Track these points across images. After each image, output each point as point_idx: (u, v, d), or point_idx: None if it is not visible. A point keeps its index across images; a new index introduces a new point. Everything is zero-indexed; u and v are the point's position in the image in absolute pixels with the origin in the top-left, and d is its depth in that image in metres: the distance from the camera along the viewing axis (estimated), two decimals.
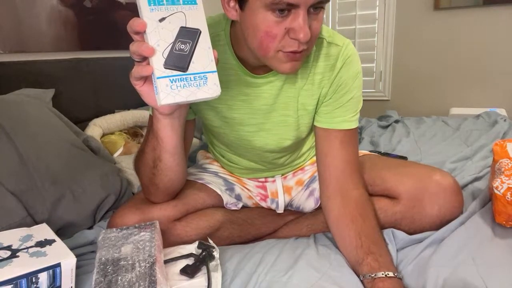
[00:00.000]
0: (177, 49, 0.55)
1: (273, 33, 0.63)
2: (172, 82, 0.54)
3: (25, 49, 1.30)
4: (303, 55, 0.69)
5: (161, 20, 0.55)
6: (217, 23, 0.78)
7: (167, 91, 0.54)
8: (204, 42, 0.56)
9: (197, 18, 0.56)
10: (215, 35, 0.77)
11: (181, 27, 0.55)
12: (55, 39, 1.40)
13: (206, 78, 0.56)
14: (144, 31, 0.54)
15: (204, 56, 0.56)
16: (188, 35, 0.56)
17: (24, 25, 1.29)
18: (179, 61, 0.55)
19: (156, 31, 0.54)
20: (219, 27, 0.77)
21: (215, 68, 0.56)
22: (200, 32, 0.56)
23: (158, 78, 0.54)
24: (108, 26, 1.59)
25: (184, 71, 0.55)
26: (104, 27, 1.57)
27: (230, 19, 0.71)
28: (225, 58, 0.77)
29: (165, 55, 0.54)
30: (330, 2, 2.29)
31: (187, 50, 0.55)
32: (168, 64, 0.54)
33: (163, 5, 0.55)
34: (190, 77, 0.55)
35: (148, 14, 0.54)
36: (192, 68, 0.55)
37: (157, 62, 0.54)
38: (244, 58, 0.76)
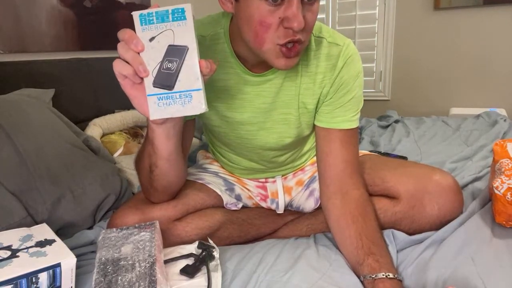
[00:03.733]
0: (164, 68, 0.57)
1: (267, 22, 0.63)
2: (159, 100, 0.58)
3: (25, 49, 1.30)
4: (299, 50, 0.68)
5: (151, 39, 0.57)
6: (217, 22, 0.78)
7: (155, 107, 0.58)
8: (191, 59, 0.57)
9: (185, 34, 0.56)
10: (214, 33, 0.77)
11: (169, 46, 0.57)
12: (55, 39, 1.39)
13: (191, 96, 0.58)
14: None
15: (190, 74, 0.57)
16: (175, 53, 0.57)
17: (24, 25, 1.29)
18: (166, 80, 0.57)
19: (147, 51, 0.57)
20: (219, 26, 0.77)
21: (200, 86, 0.57)
22: (188, 49, 0.57)
23: (148, 95, 0.58)
24: (108, 26, 1.59)
25: (170, 89, 0.57)
26: (104, 27, 1.57)
27: (227, 12, 0.71)
28: (224, 57, 0.77)
29: (154, 74, 0.57)
30: (330, 2, 2.29)
31: (173, 69, 0.57)
32: (156, 83, 0.58)
33: (153, 24, 0.57)
34: (175, 95, 0.58)
35: (140, 34, 0.57)
36: (178, 86, 0.57)
37: (147, 81, 0.58)
38: (243, 56, 0.76)
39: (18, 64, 1.25)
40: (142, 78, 0.58)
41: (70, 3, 1.43)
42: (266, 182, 1.00)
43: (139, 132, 1.48)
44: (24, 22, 1.29)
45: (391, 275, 0.64)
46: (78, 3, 1.47)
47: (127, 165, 1.18)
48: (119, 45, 0.57)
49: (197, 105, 0.58)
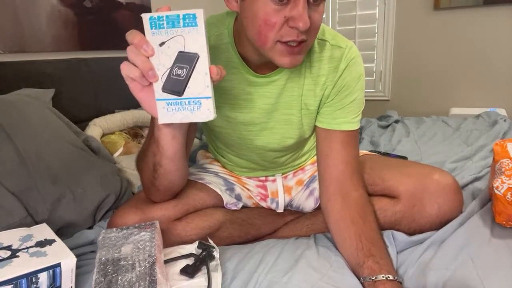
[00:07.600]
0: (174, 74, 0.57)
1: (272, 21, 0.63)
2: (168, 105, 0.58)
3: (25, 49, 1.30)
4: (303, 48, 0.68)
5: (161, 44, 0.56)
6: (221, 22, 0.78)
7: (164, 112, 0.58)
8: (201, 67, 0.56)
9: (196, 41, 0.55)
10: (218, 33, 0.77)
11: (179, 52, 0.56)
12: (55, 39, 1.39)
13: (200, 103, 0.57)
14: None
15: (200, 81, 0.56)
16: (186, 60, 0.56)
17: (24, 25, 1.29)
18: (175, 86, 0.57)
19: (157, 55, 0.56)
20: (223, 26, 0.77)
21: (210, 94, 0.57)
22: (198, 57, 0.56)
23: (157, 100, 0.58)
24: (108, 26, 1.59)
25: (179, 96, 0.57)
26: (104, 27, 1.57)
27: (231, 12, 0.70)
28: (228, 57, 0.77)
29: (164, 79, 0.57)
30: (330, 2, 2.29)
31: (183, 76, 0.56)
32: (165, 88, 0.57)
33: (163, 29, 0.55)
34: (185, 102, 0.57)
35: (150, 37, 0.56)
36: (187, 93, 0.57)
37: (157, 85, 0.57)
38: (247, 57, 0.76)
39: (18, 64, 1.26)
40: None
41: (70, 3, 1.43)
42: (266, 181, 1.00)
43: (139, 132, 1.48)
44: (24, 22, 1.29)
45: (391, 277, 0.64)
46: (78, 3, 1.47)
47: (127, 165, 1.18)
48: (128, 49, 0.56)
49: (205, 112, 0.57)
